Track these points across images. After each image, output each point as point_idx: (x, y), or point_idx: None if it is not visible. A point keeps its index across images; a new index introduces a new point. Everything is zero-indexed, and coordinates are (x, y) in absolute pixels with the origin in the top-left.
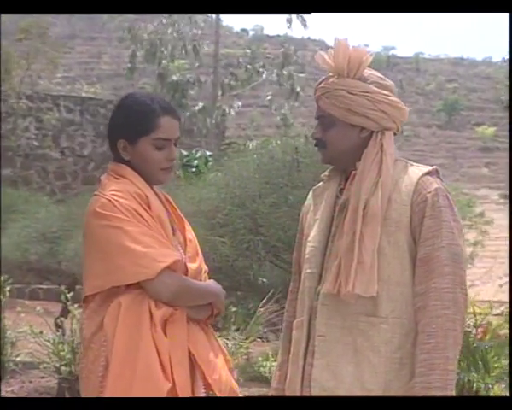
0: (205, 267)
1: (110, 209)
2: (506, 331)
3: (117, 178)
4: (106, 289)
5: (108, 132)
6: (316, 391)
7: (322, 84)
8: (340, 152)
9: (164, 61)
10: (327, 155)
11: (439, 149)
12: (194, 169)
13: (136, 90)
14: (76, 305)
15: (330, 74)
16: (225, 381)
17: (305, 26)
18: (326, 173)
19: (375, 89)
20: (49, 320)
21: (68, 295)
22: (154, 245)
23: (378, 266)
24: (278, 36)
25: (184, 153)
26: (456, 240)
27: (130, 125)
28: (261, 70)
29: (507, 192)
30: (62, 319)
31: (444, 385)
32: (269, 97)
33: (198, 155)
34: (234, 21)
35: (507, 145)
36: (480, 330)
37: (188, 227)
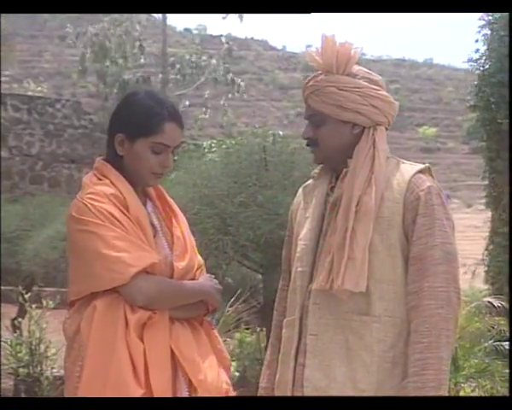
0: (199, 262)
1: (85, 214)
2: (471, 330)
3: (99, 179)
4: (85, 294)
5: (109, 124)
6: (308, 391)
7: (311, 83)
8: (333, 149)
9: (111, 61)
10: (320, 153)
11: None
12: None
13: (78, 88)
14: (34, 305)
15: (319, 72)
16: (211, 381)
17: (241, 19)
18: (316, 171)
19: (366, 84)
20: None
21: (26, 296)
22: (129, 249)
23: (370, 265)
24: (221, 36)
25: None
26: (449, 238)
27: (133, 122)
28: (204, 64)
29: (448, 192)
30: (20, 319)
31: (438, 385)
32: (206, 96)
33: None
34: (177, 21)
35: (447, 146)
36: None
37: (176, 223)
